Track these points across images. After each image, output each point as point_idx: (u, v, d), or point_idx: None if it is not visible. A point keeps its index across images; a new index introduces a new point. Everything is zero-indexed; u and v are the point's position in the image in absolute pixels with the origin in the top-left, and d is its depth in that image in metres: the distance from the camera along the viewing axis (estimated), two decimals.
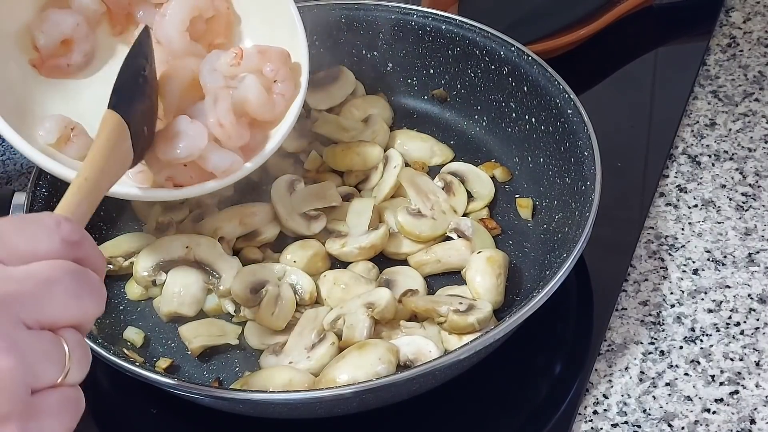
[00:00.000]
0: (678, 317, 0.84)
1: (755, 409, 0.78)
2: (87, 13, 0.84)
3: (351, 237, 0.87)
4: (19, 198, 0.86)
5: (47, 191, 0.86)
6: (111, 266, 0.86)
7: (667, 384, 0.80)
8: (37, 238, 0.51)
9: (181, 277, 0.85)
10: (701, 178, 0.96)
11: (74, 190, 0.62)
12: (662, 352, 0.82)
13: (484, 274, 0.82)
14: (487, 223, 0.89)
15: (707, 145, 0.99)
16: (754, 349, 0.82)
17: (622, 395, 0.79)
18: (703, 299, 0.86)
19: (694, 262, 0.89)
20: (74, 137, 0.80)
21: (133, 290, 0.87)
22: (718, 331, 0.83)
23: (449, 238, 0.88)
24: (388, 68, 1.01)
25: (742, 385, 0.79)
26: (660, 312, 0.85)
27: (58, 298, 0.50)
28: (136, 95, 0.72)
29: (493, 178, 0.93)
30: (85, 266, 0.52)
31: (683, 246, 0.90)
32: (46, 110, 0.81)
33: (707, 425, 0.77)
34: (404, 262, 0.88)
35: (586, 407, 0.79)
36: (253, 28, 0.88)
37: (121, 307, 0.86)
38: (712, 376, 0.80)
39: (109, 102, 0.69)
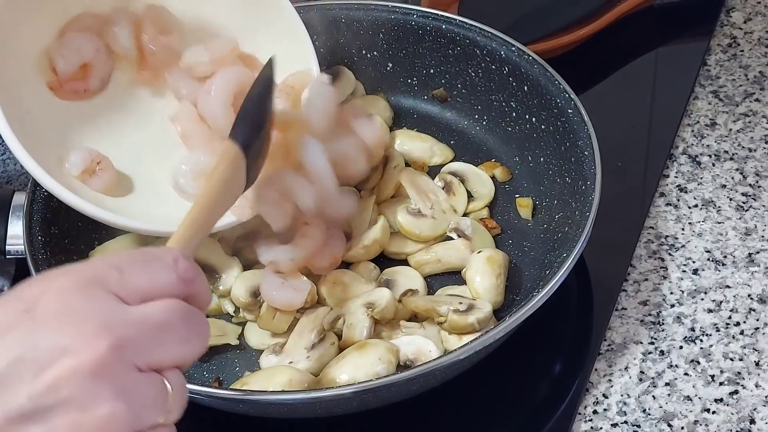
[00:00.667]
0: (678, 317, 0.84)
1: (755, 409, 0.78)
2: (116, 49, 0.84)
3: (354, 239, 0.87)
4: (19, 198, 0.86)
5: (47, 191, 0.86)
6: None
7: (667, 384, 0.80)
8: (157, 276, 0.52)
9: None
10: (701, 178, 0.96)
11: (189, 223, 0.62)
12: (662, 352, 0.82)
13: (483, 274, 0.82)
14: (487, 223, 0.89)
15: (707, 145, 0.99)
16: (754, 349, 0.82)
17: (622, 395, 0.79)
18: (703, 299, 0.86)
19: (694, 262, 0.89)
20: (99, 171, 0.81)
21: None
22: (718, 331, 0.83)
23: (449, 238, 0.88)
24: (388, 68, 1.01)
25: (742, 385, 0.79)
26: (660, 312, 0.85)
27: (169, 343, 0.51)
28: (256, 127, 0.72)
29: (493, 177, 0.93)
30: (194, 303, 0.54)
31: (683, 246, 0.90)
32: (61, 133, 0.82)
33: (707, 425, 0.77)
34: (404, 262, 0.87)
35: (585, 407, 0.79)
36: (261, 43, 0.89)
37: None
38: (712, 376, 0.80)
39: (231, 132, 0.70)
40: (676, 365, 0.81)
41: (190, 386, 0.72)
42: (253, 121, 0.72)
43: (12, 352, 0.47)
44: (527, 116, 0.93)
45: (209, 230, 0.64)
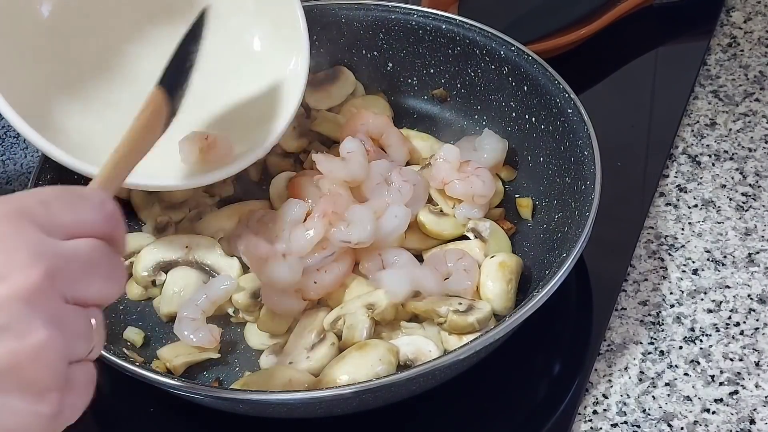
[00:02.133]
0: (678, 317, 0.84)
1: (755, 409, 0.78)
2: None
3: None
4: None
5: None
6: None
7: (667, 384, 0.80)
8: (84, 215, 0.53)
9: (180, 278, 0.85)
10: (701, 178, 0.96)
11: (111, 166, 0.62)
12: (662, 352, 0.82)
13: (495, 280, 0.82)
14: (502, 224, 0.89)
15: (707, 145, 0.99)
16: (753, 349, 0.82)
17: (622, 395, 0.79)
18: (702, 299, 0.86)
19: (693, 262, 0.89)
20: (211, 147, 0.84)
21: (132, 290, 0.87)
22: (717, 331, 0.83)
23: (466, 237, 0.88)
24: (388, 68, 1.01)
25: (742, 386, 0.79)
26: (660, 312, 0.85)
27: (95, 279, 0.52)
28: (183, 78, 0.73)
29: (496, 176, 0.93)
30: (115, 245, 0.54)
31: (683, 246, 0.90)
32: (47, 97, 0.84)
33: (707, 425, 0.77)
34: (418, 257, 0.88)
35: (585, 407, 0.79)
36: (262, 26, 0.90)
37: (121, 307, 0.86)
38: (712, 377, 0.80)
39: (160, 78, 0.70)
40: (675, 365, 0.81)
41: (190, 385, 0.73)
42: (181, 69, 0.73)
43: None
44: (527, 116, 0.93)
45: (127, 174, 0.65)
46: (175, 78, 0.72)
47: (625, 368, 0.81)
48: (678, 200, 0.94)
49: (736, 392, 0.79)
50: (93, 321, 0.51)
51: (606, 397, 0.79)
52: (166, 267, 0.85)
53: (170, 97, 0.70)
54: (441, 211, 0.89)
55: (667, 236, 0.91)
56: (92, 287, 0.52)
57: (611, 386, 0.80)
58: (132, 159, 0.65)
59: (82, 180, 0.91)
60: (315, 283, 0.82)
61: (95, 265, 0.52)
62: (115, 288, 0.53)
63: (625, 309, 0.85)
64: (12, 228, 0.49)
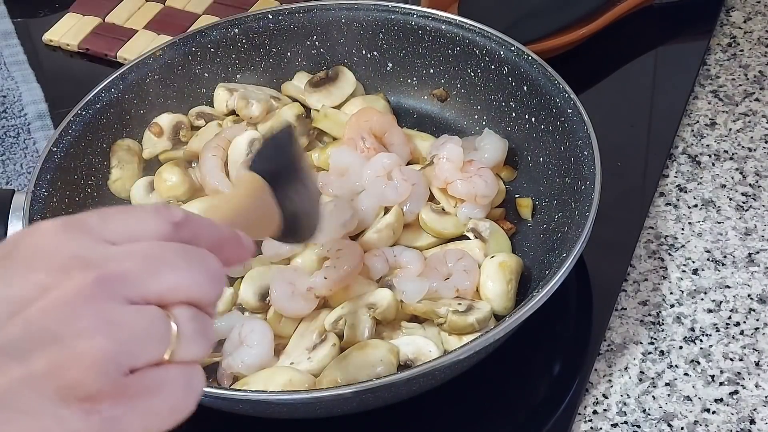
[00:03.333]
0: (678, 317, 0.84)
1: (755, 409, 0.78)
2: None
3: (367, 228, 0.87)
4: (19, 198, 0.86)
5: (47, 192, 0.86)
6: None
7: (667, 384, 0.80)
8: (143, 219, 0.49)
9: None
10: (701, 177, 0.96)
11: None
12: (662, 352, 0.82)
13: (495, 280, 0.82)
14: (502, 224, 0.89)
15: (707, 145, 0.99)
16: (753, 349, 0.82)
17: (622, 395, 0.79)
18: (702, 299, 0.86)
19: (693, 262, 0.89)
20: None
21: None
22: (717, 331, 0.83)
23: (466, 237, 0.88)
24: (388, 68, 1.01)
25: (742, 386, 0.79)
26: (660, 312, 0.85)
27: (164, 274, 0.47)
28: (275, 161, 0.69)
29: (497, 176, 0.93)
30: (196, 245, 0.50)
31: (683, 246, 0.90)
32: None
33: (707, 425, 0.77)
34: None
35: (585, 407, 0.79)
36: None
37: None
38: (712, 377, 0.80)
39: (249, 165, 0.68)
40: (675, 365, 0.81)
41: None
42: (270, 156, 0.70)
43: None
44: (527, 116, 0.93)
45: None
46: (265, 162, 0.69)
47: (625, 368, 0.81)
48: (678, 200, 0.94)
49: (736, 392, 0.79)
50: (171, 319, 0.47)
51: (606, 397, 0.79)
52: None
53: (265, 177, 0.66)
54: (443, 209, 0.89)
55: (667, 236, 0.91)
56: (162, 283, 0.47)
57: (611, 386, 0.80)
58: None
59: (82, 180, 0.92)
60: (325, 278, 0.82)
61: (159, 260, 0.47)
62: (200, 282, 0.48)
63: (625, 309, 0.85)
64: (64, 238, 0.46)
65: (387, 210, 0.88)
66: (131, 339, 0.45)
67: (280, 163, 0.70)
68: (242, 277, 0.85)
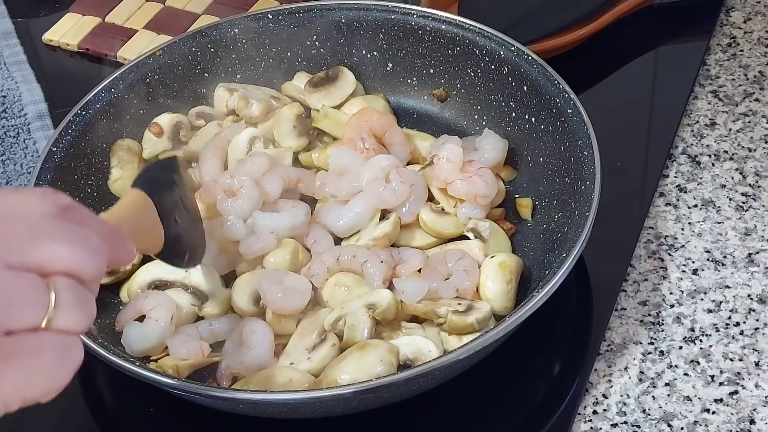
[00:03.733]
0: (677, 317, 0.84)
1: (755, 409, 0.78)
2: None
3: (363, 231, 0.87)
4: None
5: None
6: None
7: (667, 384, 0.80)
8: (29, 200, 0.50)
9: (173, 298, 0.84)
10: (701, 178, 0.96)
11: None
12: (662, 353, 0.82)
13: (495, 280, 0.82)
14: (502, 224, 0.89)
15: (707, 145, 0.99)
16: (753, 349, 0.82)
17: (622, 395, 0.79)
18: (702, 299, 0.86)
19: (693, 262, 0.89)
20: None
21: (125, 296, 0.87)
22: (717, 331, 0.83)
23: (466, 237, 0.88)
24: (388, 68, 1.01)
25: (742, 386, 0.79)
26: (659, 312, 0.85)
27: (44, 243, 0.48)
28: (160, 181, 0.73)
29: (496, 176, 0.93)
30: (72, 214, 0.52)
31: (683, 246, 0.90)
32: None
33: (707, 425, 0.77)
34: None
35: (585, 407, 0.79)
36: None
37: (121, 308, 0.86)
38: (712, 377, 0.80)
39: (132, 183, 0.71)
40: (675, 365, 0.81)
41: (190, 385, 0.73)
42: (155, 175, 0.74)
43: None
44: (527, 116, 0.93)
45: None
46: (150, 180, 0.72)
47: (625, 368, 0.81)
48: (678, 200, 0.94)
49: (736, 392, 0.79)
50: (52, 287, 0.48)
51: (606, 397, 0.79)
52: (161, 286, 0.85)
53: (149, 192, 0.69)
54: (443, 210, 0.89)
55: (667, 236, 0.91)
56: (44, 252, 0.48)
57: (611, 386, 0.80)
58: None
59: (82, 180, 0.92)
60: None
61: (41, 230, 0.48)
62: (81, 255, 0.49)
63: (625, 309, 0.85)
64: None
65: (384, 212, 0.88)
66: (9, 302, 0.46)
67: (163, 184, 0.73)
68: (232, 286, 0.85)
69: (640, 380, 0.80)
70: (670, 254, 0.89)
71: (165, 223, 0.70)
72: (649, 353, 0.82)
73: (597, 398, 0.79)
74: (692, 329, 0.84)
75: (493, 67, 0.95)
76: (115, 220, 0.64)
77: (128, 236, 0.59)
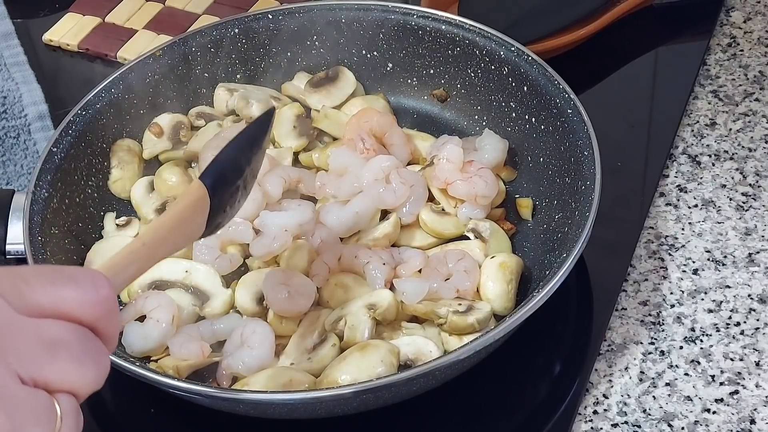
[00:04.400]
0: (678, 317, 0.84)
1: (755, 409, 0.78)
2: None
3: (363, 232, 0.87)
4: (19, 199, 0.86)
5: (47, 192, 0.86)
6: None
7: (667, 384, 0.80)
8: (65, 294, 0.49)
9: (174, 298, 0.84)
10: (701, 178, 0.96)
11: (126, 253, 0.57)
12: (662, 352, 0.82)
13: (495, 280, 0.82)
14: (502, 224, 0.89)
15: (707, 145, 0.99)
16: (754, 349, 0.82)
17: (622, 395, 0.79)
18: (703, 299, 0.86)
19: (694, 262, 0.89)
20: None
21: (125, 296, 0.86)
22: (718, 331, 0.83)
23: (466, 237, 0.88)
24: (388, 68, 1.01)
25: (742, 386, 0.79)
26: (660, 312, 0.85)
27: (60, 361, 0.48)
28: (231, 174, 0.67)
29: (497, 176, 0.93)
30: (101, 335, 0.50)
31: (683, 246, 0.90)
32: None
33: (707, 425, 0.77)
34: None
35: (586, 407, 0.79)
36: None
37: (121, 308, 0.86)
38: (712, 376, 0.80)
39: (202, 172, 0.65)
40: (676, 365, 0.81)
41: (190, 385, 0.73)
42: (230, 167, 0.67)
43: None
44: (527, 116, 0.93)
45: (149, 267, 0.59)
46: (219, 173, 0.66)
47: (626, 368, 0.81)
48: (678, 200, 0.94)
49: (736, 392, 0.79)
50: (57, 407, 0.47)
51: (606, 397, 0.79)
52: (162, 287, 0.85)
53: (211, 193, 0.64)
54: (443, 210, 0.89)
55: (667, 236, 0.91)
56: (57, 369, 0.47)
57: (611, 386, 0.80)
58: (157, 251, 0.59)
59: (82, 180, 0.92)
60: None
61: (63, 346, 0.47)
62: (88, 374, 0.48)
63: (626, 309, 0.85)
64: None
65: (384, 212, 0.89)
66: (25, 420, 0.46)
67: (232, 174, 0.67)
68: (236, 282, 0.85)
69: (641, 380, 0.80)
70: (670, 254, 0.89)
71: (211, 217, 0.66)
72: (650, 353, 0.82)
73: (597, 398, 0.79)
74: (693, 329, 0.84)
75: (493, 67, 0.95)
76: (159, 239, 0.60)
77: (168, 246, 0.59)
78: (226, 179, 0.67)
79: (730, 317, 0.84)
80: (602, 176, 0.82)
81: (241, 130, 0.70)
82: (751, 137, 0.99)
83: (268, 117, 0.72)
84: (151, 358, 0.81)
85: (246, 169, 0.69)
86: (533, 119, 0.92)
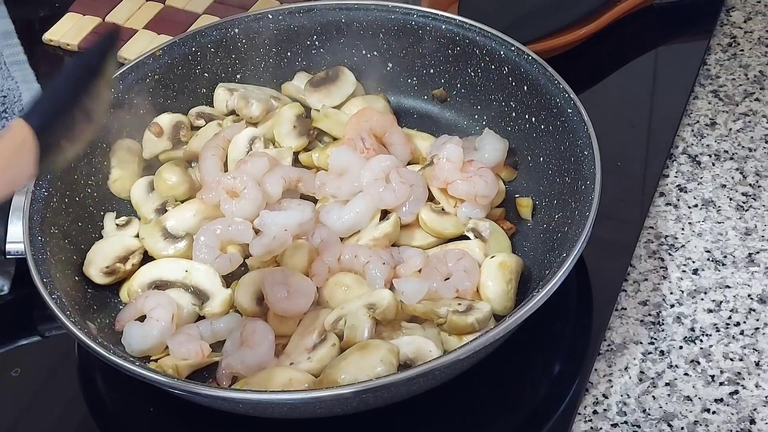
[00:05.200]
0: (678, 317, 0.84)
1: (755, 409, 0.78)
2: None
3: (363, 232, 0.87)
4: (19, 198, 0.86)
5: (47, 192, 0.86)
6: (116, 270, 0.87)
7: (667, 384, 0.80)
8: None
9: (174, 298, 0.84)
10: (701, 177, 0.96)
11: None
12: (662, 352, 0.82)
13: (495, 280, 0.82)
14: (502, 224, 0.89)
15: (707, 145, 0.99)
16: (753, 349, 0.82)
17: (622, 395, 0.79)
18: (703, 299, 0.86)
19: (694, 262, 0.89)
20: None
21: (125, 296, 0.87)
22: (717, 331, 0.83)
23: (466, 237, 0.88)
24: (388, 68, 1.01)
25: (742, 386, 0.79)
26: (660, 312, 0.85)
27: None
28: (62, 107, 0.64)
29: (497, 176, 0.93)
30: None
31: (683, 246, 0.90)
32: None
33: (707, 425, 0.77)
34: None
35: (585, 407, 0.79)
36: None
37: (121, 308, 0.86)
38: (712, 376, 0.80)
39: (24, 112, 0.63)
40: (676, 365, 0.81)
41: (190, 385, 0.73)
42: (59, 101, 0.64)
43: None
44: (527, 116, 0.93)
45: None
46: (45, 114, 0.63)
47: (626, 368, 0.81)
48: (678, 200, 0.94)
49: (736, 392, 0.79)
50: None
51: (606, 397, 0.79)
52: (162, 286, 0.85)
53: (38, 135, 0.61)
54: (443, 209, 0.89)
55: (667, 236, 0.91)
56: None
57: (611, 386, 0.80)
58: None
59: (82, 180, 0.92)
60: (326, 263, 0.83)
61: None
62: None
63: (625, 309, 0.85)
64: None
65: (384, 212, 0.89)
66: None
67: (62, 114, 0.64)
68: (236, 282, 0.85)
69: (641, 380, 0.80)
70: (670, 254, 0.89)
71: (44, 155, 0.62)
72: (650, 353, 0.82)
73: (597, 398, 0.79)
74: (692, 329, 0.84)
75: (493, 67, 0.95)
76: None
77: None
78: (55, 114, 0.64)
79: (729, 317, 0.84)
80: (602, 176, 0.82)
81: (73, 59, 0.66)
82: (752, 137, 0.99)
83: (106, 42, 0.69)
84: (151, 358, 0.81)
85: (82, 98, 0.65)
86: (533, 119, 0.92)
